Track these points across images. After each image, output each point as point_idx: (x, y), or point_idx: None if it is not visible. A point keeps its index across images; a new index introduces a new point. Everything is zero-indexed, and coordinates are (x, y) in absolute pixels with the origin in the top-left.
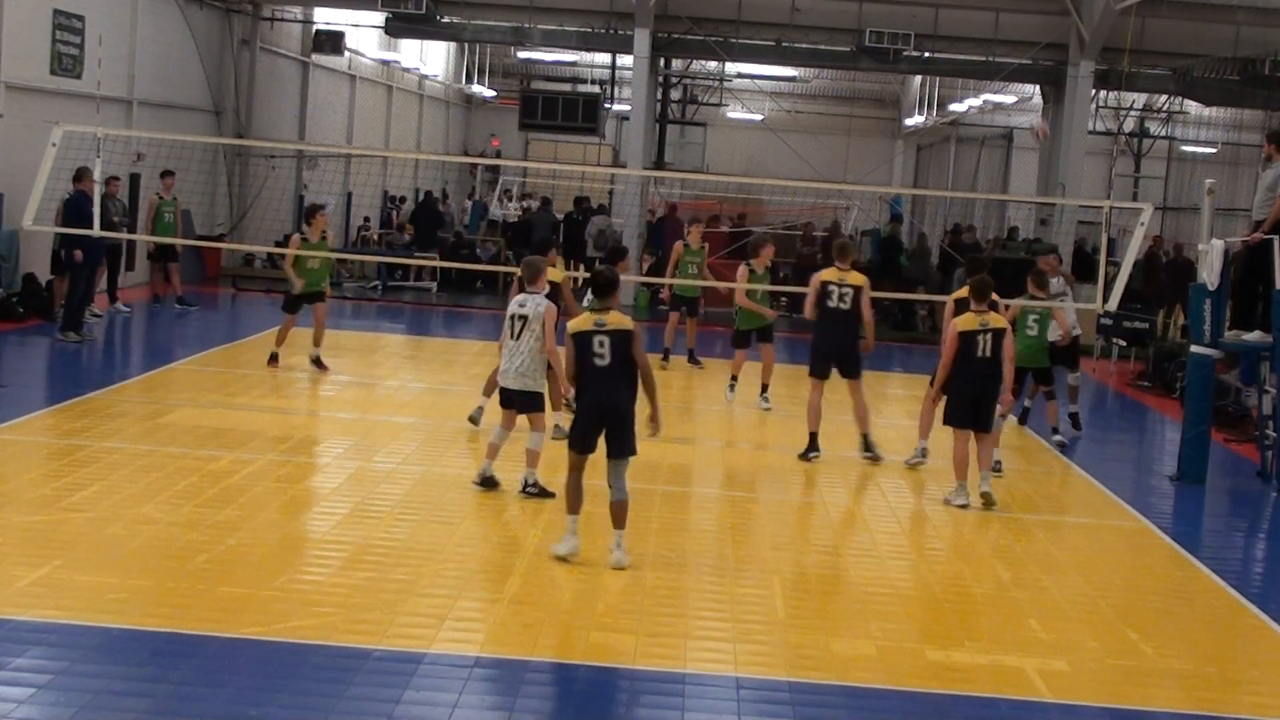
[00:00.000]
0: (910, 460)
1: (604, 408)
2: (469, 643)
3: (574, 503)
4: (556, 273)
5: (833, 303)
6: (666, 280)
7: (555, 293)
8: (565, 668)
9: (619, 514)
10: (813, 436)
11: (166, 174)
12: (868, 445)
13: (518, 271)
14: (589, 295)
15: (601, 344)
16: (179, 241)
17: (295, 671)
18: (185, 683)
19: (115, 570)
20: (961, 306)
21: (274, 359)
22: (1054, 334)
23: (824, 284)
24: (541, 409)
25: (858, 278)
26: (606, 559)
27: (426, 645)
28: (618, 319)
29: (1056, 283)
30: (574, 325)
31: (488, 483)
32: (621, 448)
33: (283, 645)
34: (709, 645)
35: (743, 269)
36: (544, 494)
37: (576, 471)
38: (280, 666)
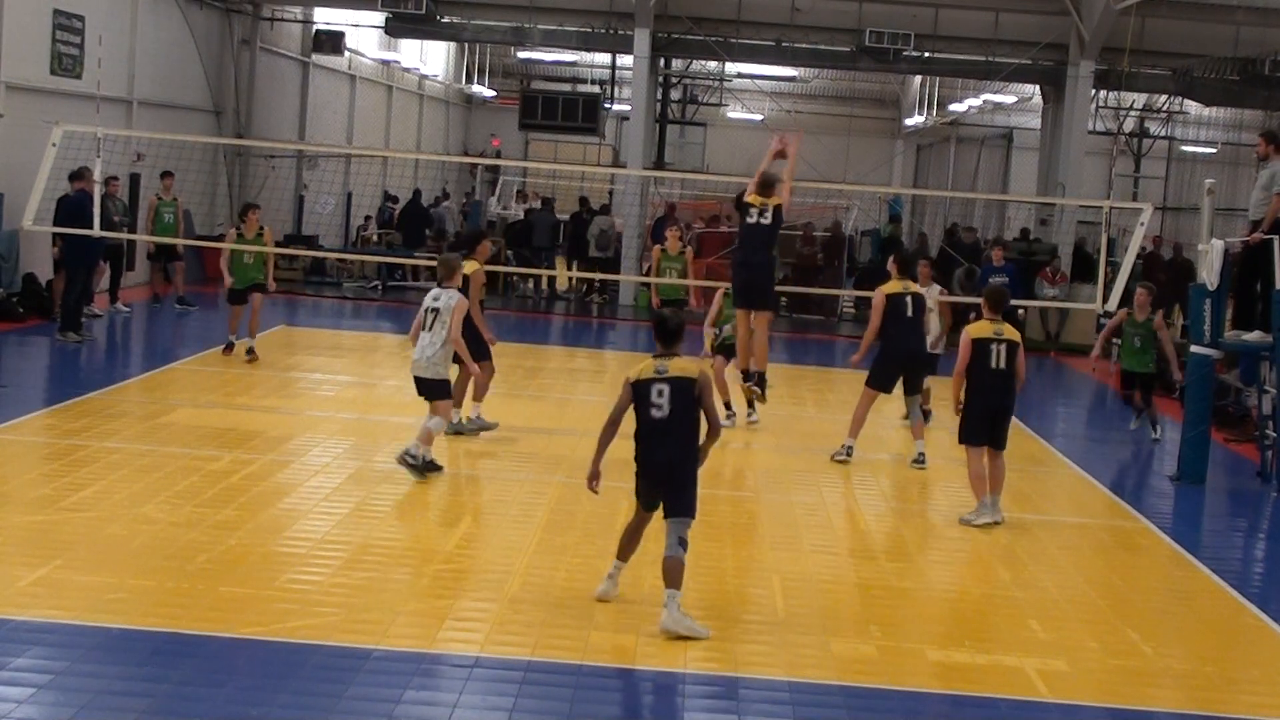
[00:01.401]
0: (837, 456)
1: (661, 466)
2: (469, 643)
3: (623, 548)
4: (471, 265)
5: (752, 219)
6: (652, 279)
7: (466, 285)
8: (565, 668)
9: (670, 570)
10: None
11: (166, 175)
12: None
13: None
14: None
15: (660, 393)
16: (179, 241)
17: (295, 671)
18: (185, 683)
19: (115, 570)
20: (893, 300)
21: (229, 347)
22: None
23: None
24: (447, 396)
25: (779, 199)
26: (608, 558)
27: (426, 645)
28: (681, 365)
29: (930, 292)
30: (634, 373)
31: (430, 466)
32: (678, 506)
33: (283, 645)
34: (709, 645)
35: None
36: (428, 468)
37: (639, 519)
38: (280, 666)
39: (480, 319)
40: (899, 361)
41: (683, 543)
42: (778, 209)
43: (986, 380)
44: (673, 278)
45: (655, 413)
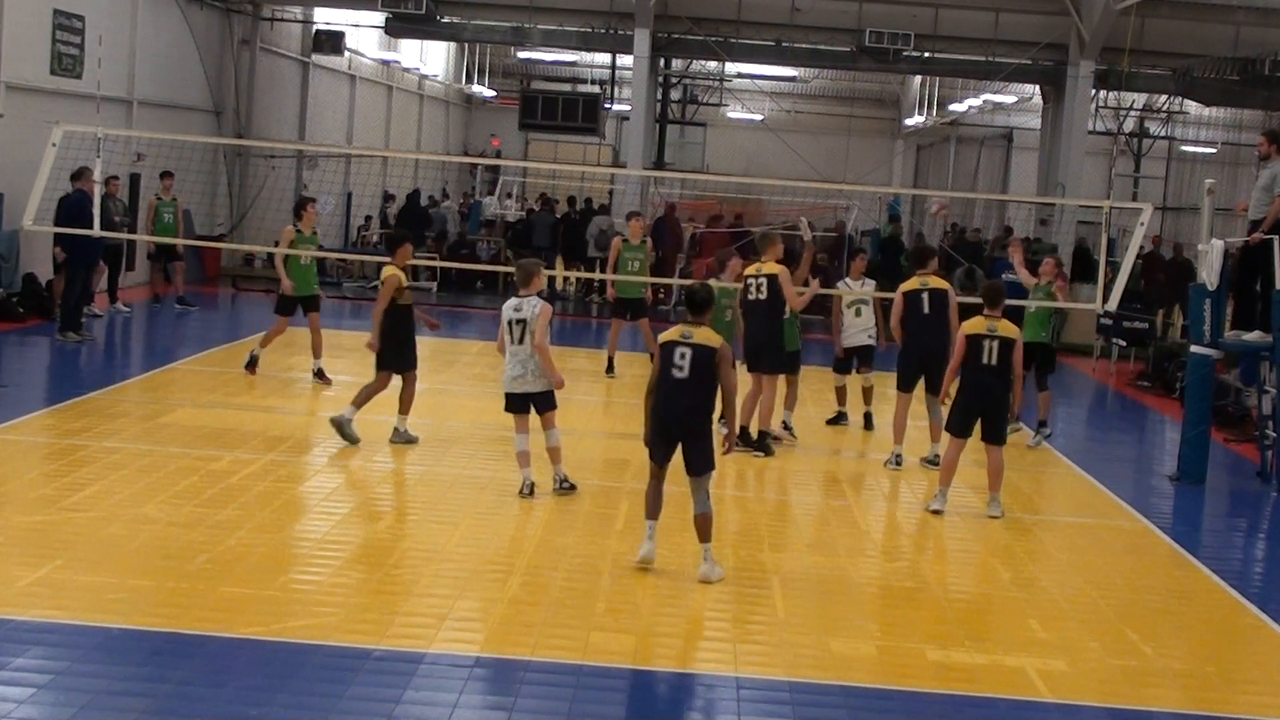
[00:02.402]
0: (888, 463)
1: (674, 418)
2: (469, 643)
3: (651, 508)
4: (389, 270)
5: (751, 295)
6: (609, 276)
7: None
8: (565, 668)
9: (702, 527)
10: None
11: (166, 175)
12: (750, 438)
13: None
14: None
15: (683, 356)
16: (179, 241)
17: (295, 671)
18: (185, 683)
19: (115, 570)
20: (910, 298)
21: (253, 363)
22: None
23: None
24: (555, 405)
25: (774, 267)
26: (608, 558)
27: (426, 645)
28: (705, 335)
29: (865, 287)
30: (664, 336)
31: (533, 490)
32: (697, 464)
33: (283, 645)
34: (709, 645)
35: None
36: (573, 488)
37: (656, 480)
38: (280, 666)
39: (378, 326)
40: (919, 358)
41: (707, 495)
42: (773, 279)
43: (978, 376)
44: (633, 269)
45: (676, 373)
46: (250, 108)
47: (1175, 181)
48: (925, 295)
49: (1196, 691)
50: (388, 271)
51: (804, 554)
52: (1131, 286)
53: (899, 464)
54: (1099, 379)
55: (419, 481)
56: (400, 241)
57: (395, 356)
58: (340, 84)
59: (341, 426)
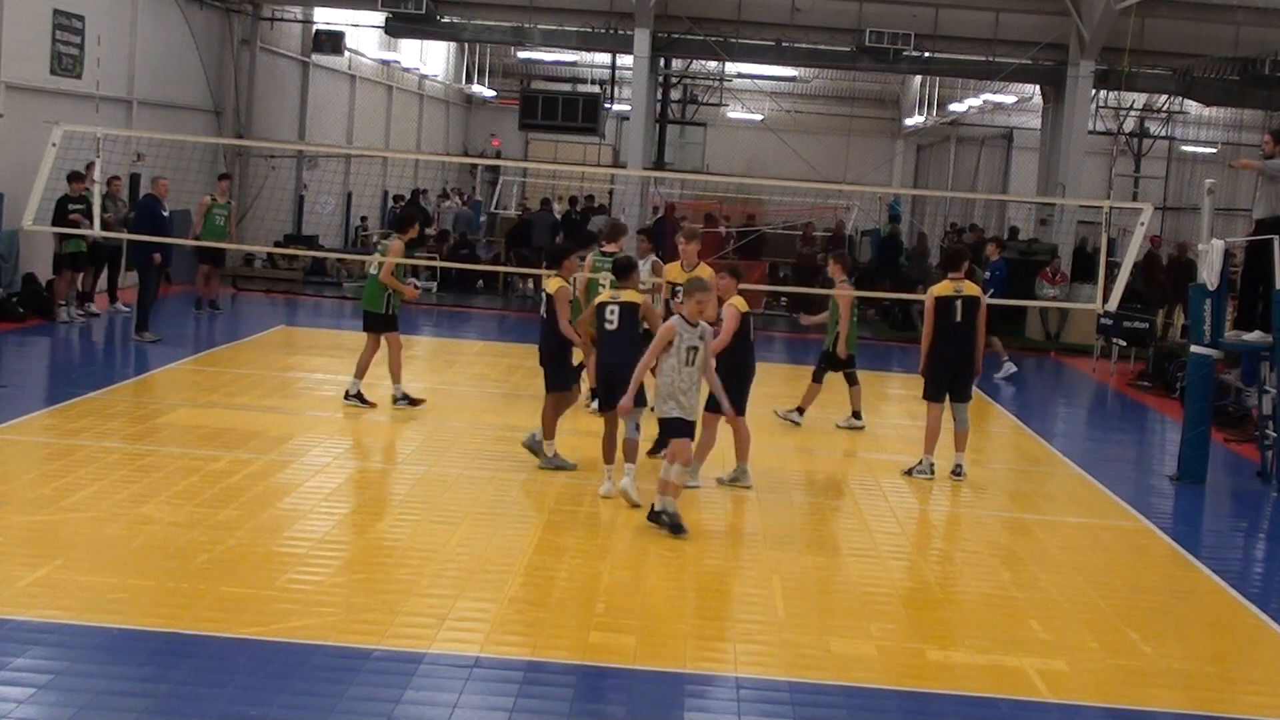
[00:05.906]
0: (916, 470)
1: (611, 368)
2: (469, 643)
3: (608, 454)
4: (553, 282)
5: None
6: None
7: (550, 303)
8: (565, 668)
9: (630, 450)
10: None
11: (223, 176)
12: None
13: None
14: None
15: (612, 312)
16: (226, 246)
17: (295, 671)
18: (185, 683)
19: (115, 570)
20: (942, 304)
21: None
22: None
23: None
24: (682, 435)
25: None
26: (609, 558)
27: (426, 645)
28: (630, 295)
29: (644, 265)
30: (598, 299)
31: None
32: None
33: (283, 645)
34: (709, 645)
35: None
36: (677, 528)
37: (610, 427)
38: (280, 666)
39: (583, 340)
40: (950, 367)
41: (637, 427)
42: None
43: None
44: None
45: (608, 325)
46: (250, 108)
47: (1175, 181)
48: (959, 303)
49: (1196, 691)
50: (554, 284)
51: (804, 554)
52: (1132, 286)
53: (932, 473)
54: (1099, 379)
55: (419, 481)
56: (566, 253)
57: (565, 374)
58: (340, 84)
59: (549, 460)
